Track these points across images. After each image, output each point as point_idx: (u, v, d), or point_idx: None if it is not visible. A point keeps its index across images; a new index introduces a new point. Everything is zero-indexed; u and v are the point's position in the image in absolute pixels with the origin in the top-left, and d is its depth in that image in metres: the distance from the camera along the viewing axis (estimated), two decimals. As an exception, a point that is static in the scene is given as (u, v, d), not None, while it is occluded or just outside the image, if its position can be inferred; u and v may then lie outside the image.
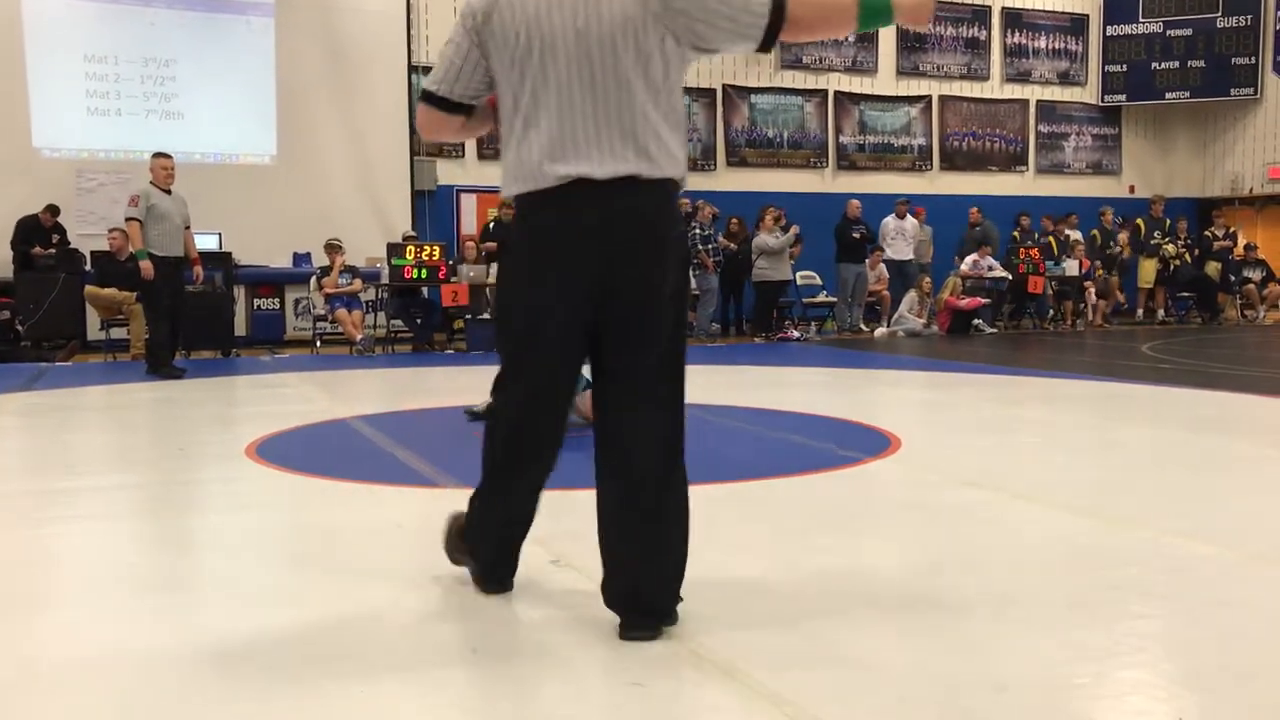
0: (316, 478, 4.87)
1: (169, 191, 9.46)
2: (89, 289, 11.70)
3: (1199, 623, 2.87)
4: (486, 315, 12.52)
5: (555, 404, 2.81)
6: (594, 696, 2.39)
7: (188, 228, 9.66)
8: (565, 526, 3.93)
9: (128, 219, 9.39)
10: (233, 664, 2.59)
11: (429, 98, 2.85)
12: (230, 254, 12.44)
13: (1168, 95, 18.87)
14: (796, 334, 14.26)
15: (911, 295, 14.80)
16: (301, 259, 13.42)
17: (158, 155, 9.60)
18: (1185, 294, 17.09)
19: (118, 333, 11.55)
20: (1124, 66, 18.95)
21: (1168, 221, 16.90)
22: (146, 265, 9.23)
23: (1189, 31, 18.58)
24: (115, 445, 6.40)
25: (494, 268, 12.68)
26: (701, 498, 4.51)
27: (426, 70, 16.08)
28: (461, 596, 3.11)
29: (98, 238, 12.39)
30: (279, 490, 4.79)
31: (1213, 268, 16.86)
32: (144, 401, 7.98)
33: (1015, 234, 16.26)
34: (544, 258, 2.65)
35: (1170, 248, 16.66)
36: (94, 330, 12.09)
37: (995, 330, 15.05)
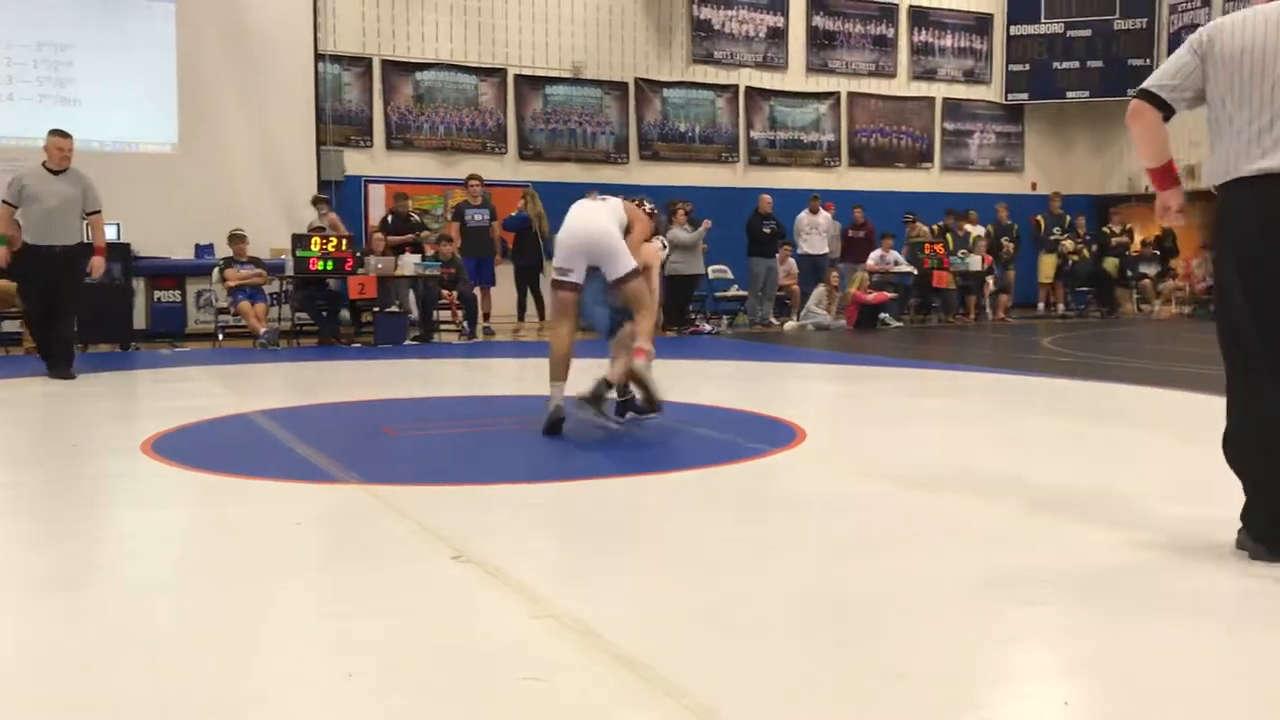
0: (214, 474, 4.76)
1: (60, 172, 8.70)
2: (-23, 280, 11.28)
3: (1090, 609, 2.94)
4: (394, 308, 12.36)
5: None
6: (498, 693, 2.36)
7: (95, 213, 8.89)
8: (473, 522, 3.90)
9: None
10: (122, 663, 2.51)
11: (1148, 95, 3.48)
12: (129, 245, 12.09)
13: (1068, 94, 19.36)
14: (708, 327, 14.34)
15: (820, 290, 14.99)
16: (204, 250, 13.12)
17: (52, 133, 8.85)
18: (1084, 289, 17.57)
19: (9, 325, 11.17)
20: (1027, 66, 19.39)
21: (1067, 218, 17.36)
22: (1, 252, 8.74)
23: (1088, 33, 19.07)
24: (2, 442, 6.18)
25: (403, 259, 12.51)
26: (606, 492, 4.52)
27: (335, 59, 15.85)
28: (358, 597, 3.07)
29: (-12, 227, 11.95)
30: (175, 487, 4.67)
31: (1110, 263, 17.35)
32: (35, 396, 7.72)
33: (934, 228, 16.52)
34: None
35: (1069, 243, 17.11)
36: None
37: (901, 324, 15.29)
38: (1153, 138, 3.52)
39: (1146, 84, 3.48)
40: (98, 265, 9.00)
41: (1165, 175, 3.59)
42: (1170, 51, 15.57)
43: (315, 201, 13.44)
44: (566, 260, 5.96)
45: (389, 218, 13.66)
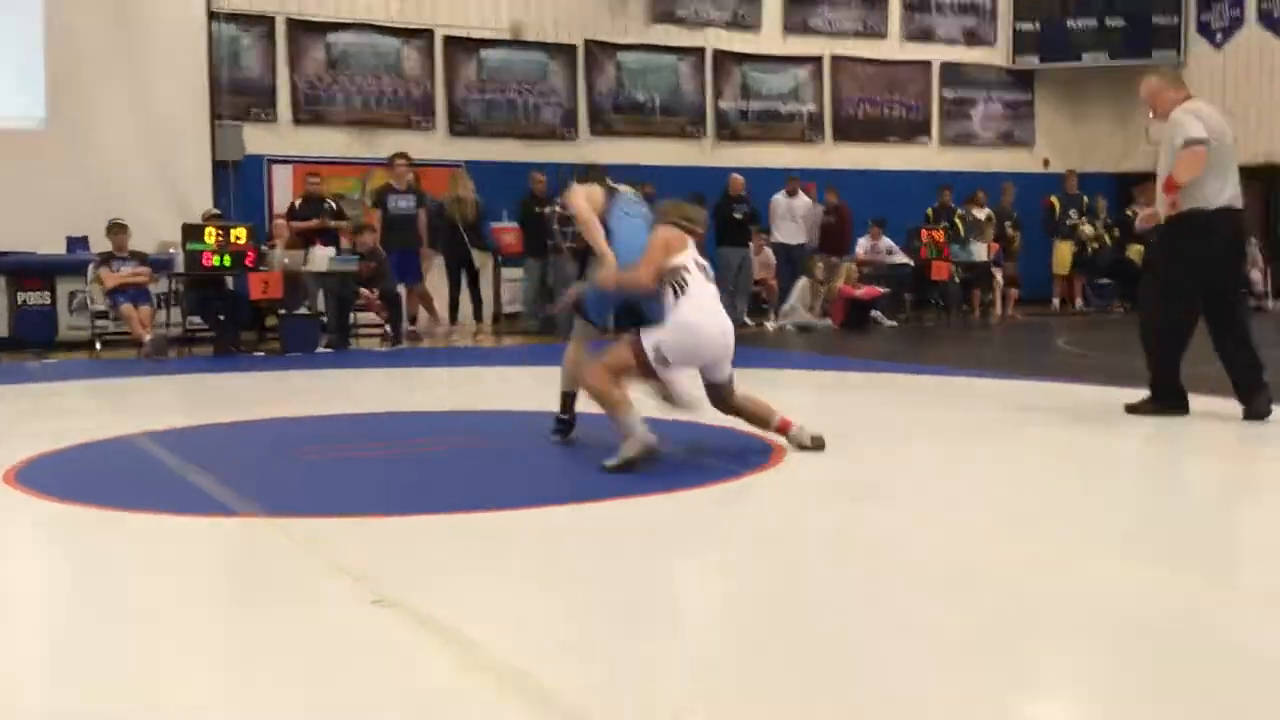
0: (90, 507, 4.72)
1: None
2: None
3: (1095, 645, 2.99)
4: (304, 309, 12.28)
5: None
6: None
7: None
8: (397, 559, 3.89)
9: None
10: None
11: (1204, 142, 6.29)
12: (-12, 238, 11.99)
13: (1084, 56, 19.57)
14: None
15: (803, 284, 15.03)
16: (77, 244, 13.01)
17: None
18: (1105, 280, 17.72)
19: None
20: (1037, 24, 19.60)
21: (1085, 199, 17.51)
22: None
23: (1107, -14, 19.31)
24: None
25: (314, 252, 12.40)
26: (551, 522, 4.52)
27: (231, 19, 15.60)
28: (260, 649, 3.06)
29: None
30: (42, 523, 4.64)
31: (1135, 251, 17.52)
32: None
33: (930, 211, 16.63)
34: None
35: (1088, 229, 17.26)
36: None
37: (895, 323, 15.40)
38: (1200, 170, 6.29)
39: (1202, 137, 6.21)
40: None
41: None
42: (1202, 5, 16.43)
43: None
44: (682, 363, 5.65)
45: (297, 203, 13.58)
